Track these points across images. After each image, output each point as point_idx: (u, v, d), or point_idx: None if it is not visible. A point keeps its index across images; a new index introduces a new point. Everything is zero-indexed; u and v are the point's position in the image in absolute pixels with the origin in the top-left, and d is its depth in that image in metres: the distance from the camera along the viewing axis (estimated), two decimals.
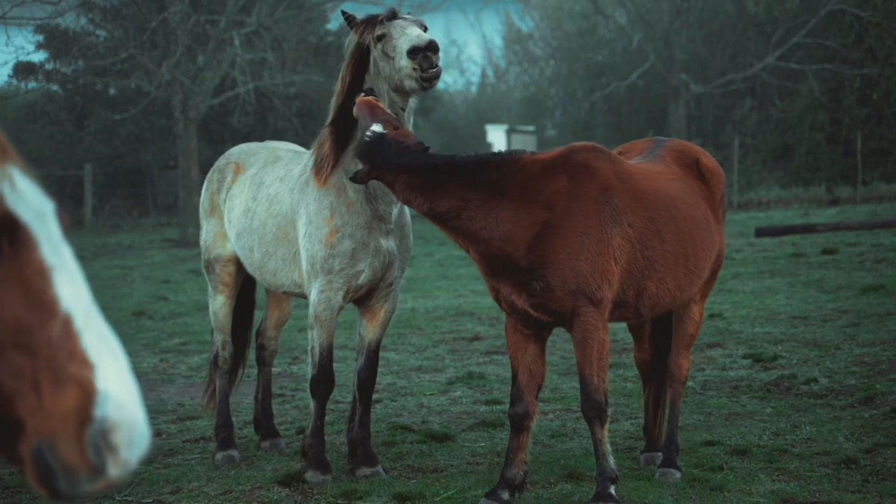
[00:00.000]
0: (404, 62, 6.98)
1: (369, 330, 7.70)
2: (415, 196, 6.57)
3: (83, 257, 27.21)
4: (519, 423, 6.90)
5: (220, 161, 8.59)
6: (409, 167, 6.47)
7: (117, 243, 30.89)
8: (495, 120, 55.43)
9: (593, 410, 6.72)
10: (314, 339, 7.49)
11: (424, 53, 6.93)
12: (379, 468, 7.65)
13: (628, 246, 6.72)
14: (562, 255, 6.55)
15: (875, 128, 40.75)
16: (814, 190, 38.42)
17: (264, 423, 8.70)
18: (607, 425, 6.81)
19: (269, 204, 7.86)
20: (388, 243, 7.40)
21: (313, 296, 7.43)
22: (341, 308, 7.52)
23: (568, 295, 6.57)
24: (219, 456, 8.16)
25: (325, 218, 7.36)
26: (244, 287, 8.70)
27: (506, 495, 6.87)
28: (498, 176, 6.59)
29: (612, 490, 6.70)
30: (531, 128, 53.24)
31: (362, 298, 7.63)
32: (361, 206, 7.33)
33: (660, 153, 7.45)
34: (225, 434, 8.29)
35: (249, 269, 8.15)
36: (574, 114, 53.58)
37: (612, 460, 6.77)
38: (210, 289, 8.59)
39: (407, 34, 7.06)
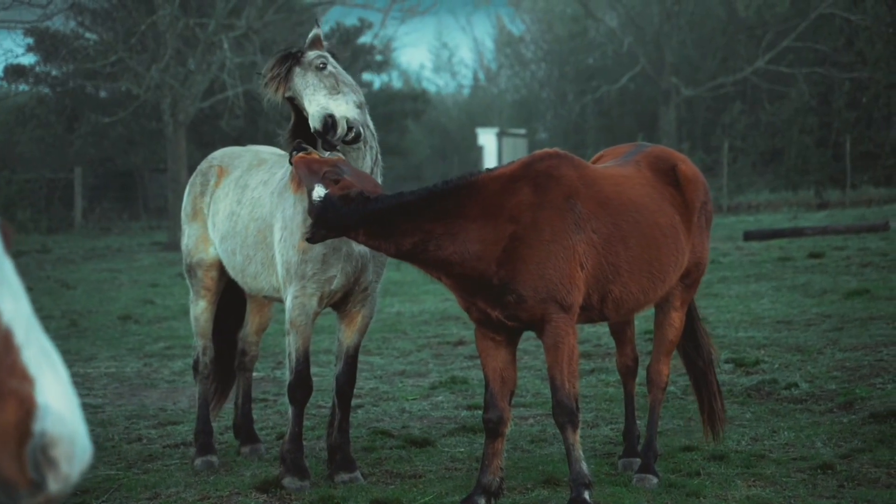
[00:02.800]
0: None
1: (347, 335, 7.71)
2: (379, 242, 6.63)
3: (72, 260, 27.22)
4: (494, 429, 6.93)
5: (203, 165, 8.58)
6: (360, 220, 6.52)
7: (106, 246, 30.86)
8: (486, 123, 55.44)
9: (565, 415, 6.75)
10: (290, 344, 7.51)
11: (324, 138, 6.98)
12: (357, 474, 7.66)
13: (593, 251, 6.77)
14: (531, 265, 6.60)
15: (864, 131, 40.84)
16: (803, 193, 38.49)
17: (244, 428, 8.70)
18: (579, 430, 6.82)
19: (251, 207, 7.87)
20: (360, 247, 7.40)
21: (288, 301, 7.45)
22: (317, 313, 7.53)
23: (539, 303, 6.61)
24: (198, 461, 8.16)
25: (298, 223, 7.36)
26: (234, 293, 8.67)
27: (482, 501, 6.89)
28: (455, 201, 6.62)
29: (587, 495, 6.71)
30: (522, 131, 53.25)
31: (339, 303, 7.64)
32: None
33: (636, 157, 7.47)
34: (204, 439, 8.28)
35: (232, 273, 8.15)
36: (565, 117, 53.66)
37: (585, 465, 6.79)
38: (192, 294, 8.59)
39: (308, 100, 7.10)
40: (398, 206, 6.55)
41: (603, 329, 13.50)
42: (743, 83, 46.74)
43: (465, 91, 68.86)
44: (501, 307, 6.68)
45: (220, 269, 8.35)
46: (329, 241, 7.26)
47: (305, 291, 7.39)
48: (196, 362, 8.57)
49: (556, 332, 6.67)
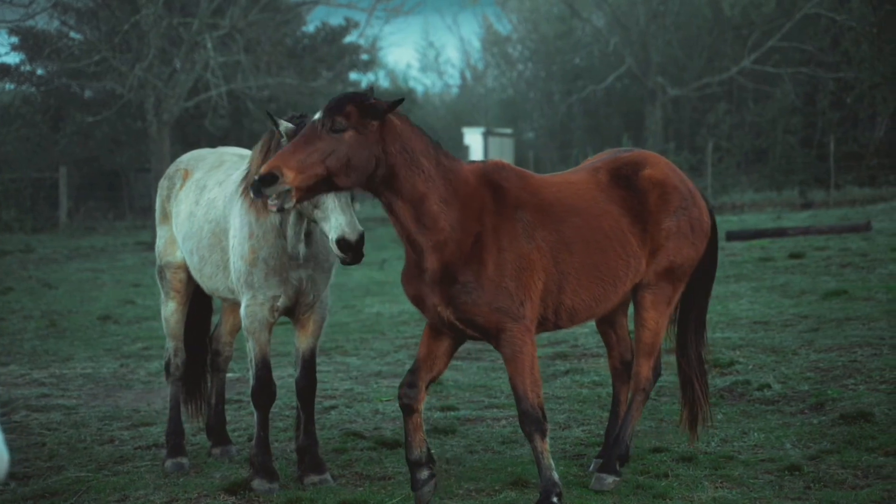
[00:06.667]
0: (331, 238, 6.88)
1: (302, 340, 7.77)
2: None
3: (55, 260, 27.14)
4: (408, 406, 7.01)
5: (171, 168, 8.67)
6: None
7: (90, 246, 30.77)
8: (473, 122, 55.48)
9: (532, 424, 6.80)
10: (250, 351, 7.59)
11: (355, 251, 6.80)
12: (327, 475, 7.68)
13: (543, 261, 6.83)
14: (491, 271, 6.67)
15: (849, 131, 40.94)
16: (787, 193, 38.53)
17: (217, 429, 8.71)
18: (547, 438, 6.85)
19: (207, 209, 7.97)
20: (299, 273, 7.50)
21: (242, 309, 7.58)
22: (270, 323, 7.56)
23: (493, 311, 6.67)
24: (168, 463, 8.18)
25: (245, 235, 7.47)
26: (201, 293, 8.71)
27: (425, 473, 6.99)
28: (451, 168, 6.73)
29: (555, 500, 6.74)
30: (508, 130, 53.29)
31: (290, 312, 7.69)
32: (275, 237, 7.37)
33: (597, 164, 7.49)
34: (175, 441, 8.30)
35: (192, 273, 8.22)
36: (551, 116, 53.70)
37: (555, 474, 6.82)
38: (162, 295, 8.63)
39: (342, 211, 6.85)
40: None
41: (580, 330, 13.51)
42: (728, 83, 46.82)
43: (453, 91, 68.89)
44: (454, 307, 6.71)
45: (188, 271, 8.40)
46: (271, 263, 7.39)
47: (256, 300, 7.49)
48: (168, 363, 8.61)
49: (512, 342, 6.74)
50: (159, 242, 8.59)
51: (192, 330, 8.80)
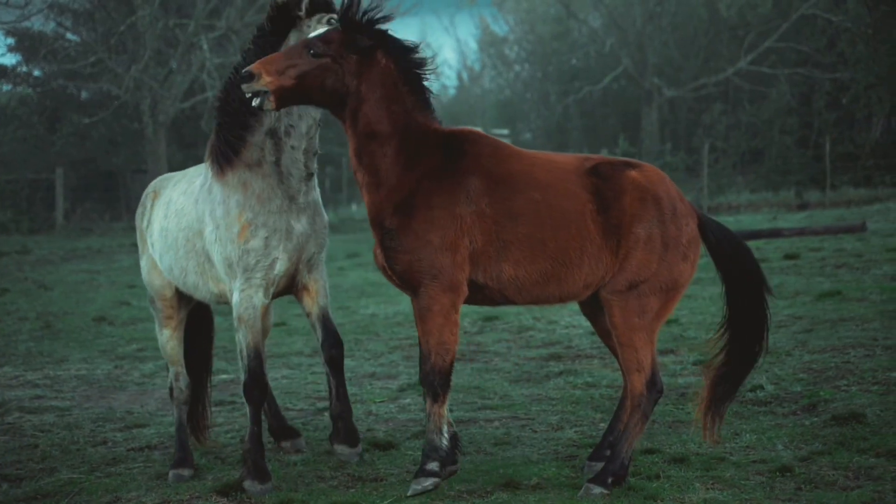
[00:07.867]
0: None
1: (311, 304, 7.81)
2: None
3: (51, 261, 27.13)
4: None
5: (143, 196, 8.69)
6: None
7: (87, 247, 30.73)
8: (470, 123, 55.46)
9: (427, 387, 7.02)
10: (241, 341, 7.57)
11: None
12: (359, 449, 7.86)
13: (484, 225, 6.94)
14: (416, 224, 6.89)
15: (845, 132, 40.95)
16: (783, 194, 38.52)
17: (276, 427, 8.73)
18: (441, 404, 7.02)
19: (177, 218, 8.02)
20: (300, 225, 7.61)
21: (235, 297, 7.54)
22: (266, 307, 7.58)
23: (414, 262, 6.89)
24: (170, 473, 8.05)
25: (234, 216, 7.49)
26: (199, 320, 8.70)
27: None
28: (418, 124, 7.02)
29: (433, 465, 7.04)
30: (505, 131, 53.31)
31: (289, 286, 7.76)
32: (273, 190, 7.52)
33: (593, 156, 7.47)
34: (180, 455, 8.21)
35: (178, 286, 8.23)
36: (548, 117, 53.73)
37: (440, 438, 7.05)
38: (156, 323, 8.61)
39: None
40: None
41: (575, 331, 13.54)
42: (725, 84, 46.88)
43: (450, 92, 68.85)
44: (384, 248, 7.01)
45: (175, 293, 8.38)
46: (270, 224, 7.51)
47: (251, 283, 7.48)
48: (170, 389, 8.57)
49: (423, 298, 6.93)
50: (143, 272, 8.58)
51: (192, 353, 8.76)
